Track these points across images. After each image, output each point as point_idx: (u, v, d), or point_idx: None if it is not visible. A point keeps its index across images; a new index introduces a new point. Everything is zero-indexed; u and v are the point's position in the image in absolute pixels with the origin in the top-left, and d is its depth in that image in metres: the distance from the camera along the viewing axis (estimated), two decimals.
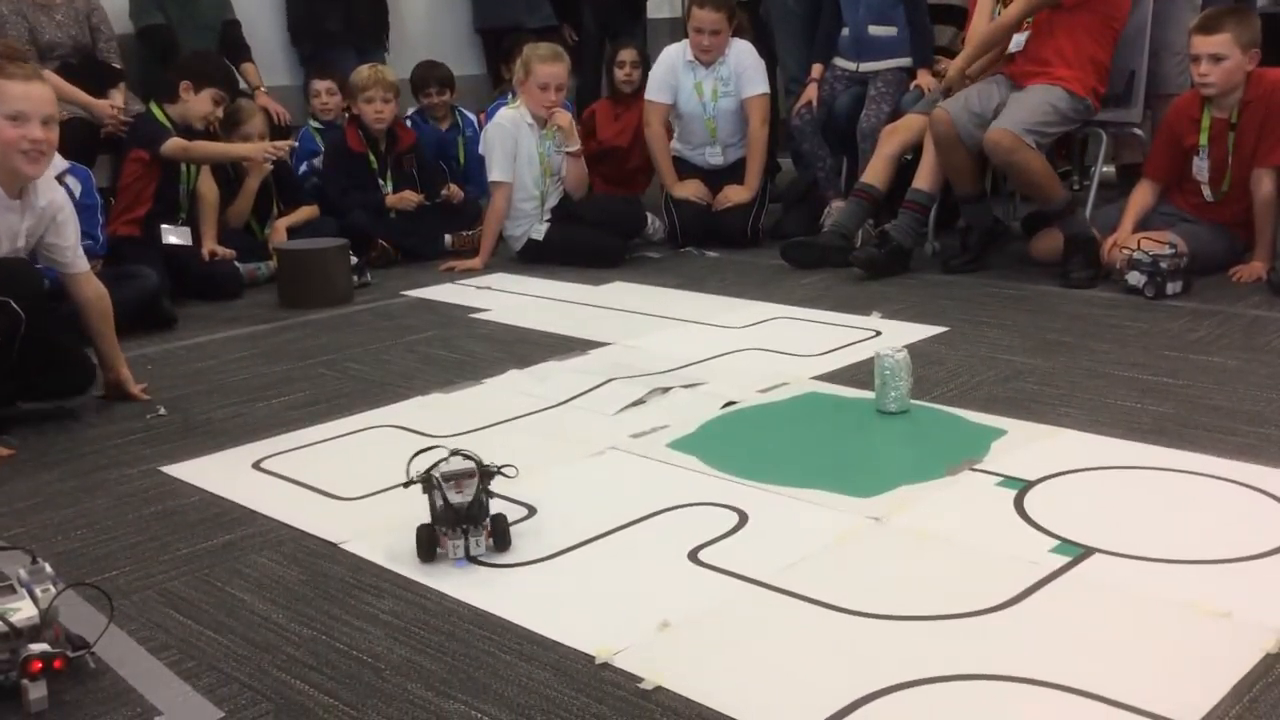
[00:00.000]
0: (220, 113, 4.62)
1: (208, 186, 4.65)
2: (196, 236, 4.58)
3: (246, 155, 4.67)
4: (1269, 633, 1.79)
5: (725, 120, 5.11)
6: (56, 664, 1.76)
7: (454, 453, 2.16)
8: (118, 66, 5.11)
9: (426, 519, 2.17)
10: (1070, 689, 1.67)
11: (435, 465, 2.14)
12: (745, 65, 5.05)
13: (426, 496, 2.16)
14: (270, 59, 6.02)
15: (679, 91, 5.12)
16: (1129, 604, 1.92)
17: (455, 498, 2.12)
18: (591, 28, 6.69)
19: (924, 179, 4.40)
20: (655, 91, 5.15)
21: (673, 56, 5.13)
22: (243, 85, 5.59)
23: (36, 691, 1.74)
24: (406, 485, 2.18)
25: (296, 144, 5.22)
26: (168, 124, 4.48)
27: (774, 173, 5.60)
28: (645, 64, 5.53)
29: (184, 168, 4.53)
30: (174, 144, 4.39)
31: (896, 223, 4.44)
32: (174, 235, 4.48)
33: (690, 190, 5.11)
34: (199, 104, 4.51)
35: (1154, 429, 2.70)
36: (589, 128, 5.45)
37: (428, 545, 2.16)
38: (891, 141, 4.55)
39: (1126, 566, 2.04)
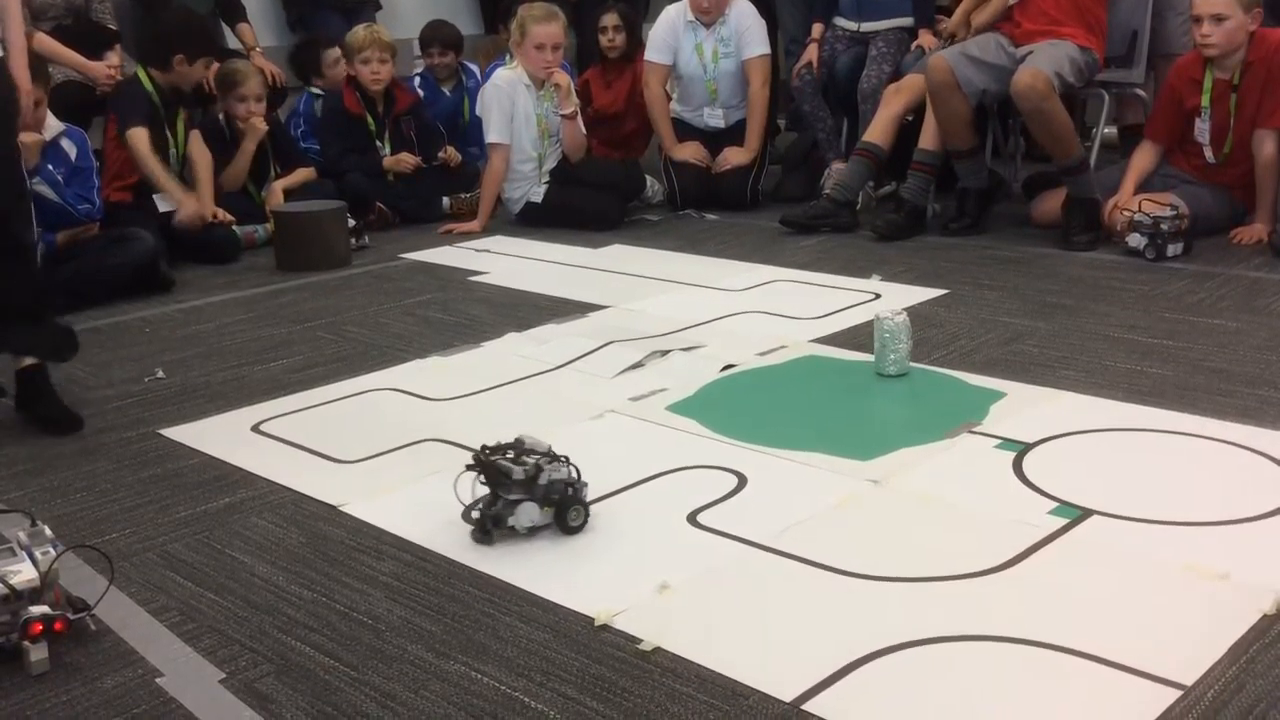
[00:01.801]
0: (211, 75, 4.60)
1: (199, 151, 4.61)
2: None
3: (174, 193, 4.43)
4: (1266, 594, 1.79)
5: (726, 81, 5.08)
6: (57, 626, 1.77)
7: (481, 464, 2.12)
8: (113, 28, 5.06)
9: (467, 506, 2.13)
10: (1068, 650, 1.68)
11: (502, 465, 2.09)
12: (746, 26, 5.00)
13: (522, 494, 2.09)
14: (259, 20, 5.96)
15: (679, 53, 5.07)
16: (1127, 565, 1.92)
17: (563, 470, 2.11)
18: None
19: (930, 138, 4.36)
20: (655, 53, 5.10)
21: (672, 17, 5.08)
22: (238, 46, 5.54)
23: (37, 653, 1.75)
24: (510, 483, 2.09)
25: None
26: (153, 91, 4.43)
27: (774, 134, 5.55)
28: (629, 27, 5.47)
29: (167, 133, 4.50)
30: (135, 136, 4.36)
31: (908, 185, 4.42)
32: (168, 203, 4.44)
33: (689, 153, 5.08)
34: (195, 72, 4.52)
35: (1153, 391, 2.69)
36: (584, 95, 5.40)
37: (566, 522, 2.10)
38: (895, 101, 4.51)
39: (1125, 528, 2.05)
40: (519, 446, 2.13)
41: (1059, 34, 4.15)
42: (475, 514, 2.11)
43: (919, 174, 4.41)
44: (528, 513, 2.08)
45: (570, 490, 2.10)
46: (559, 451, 2.13)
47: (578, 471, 2.12)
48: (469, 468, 2.13)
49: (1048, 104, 3.99)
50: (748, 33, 4.99)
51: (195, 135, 4.63)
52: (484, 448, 2.12)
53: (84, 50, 4.80)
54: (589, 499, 2.14)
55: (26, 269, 2.78)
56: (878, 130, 4.51)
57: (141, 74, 4.51)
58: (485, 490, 2.11)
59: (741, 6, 5.02)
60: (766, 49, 5.04)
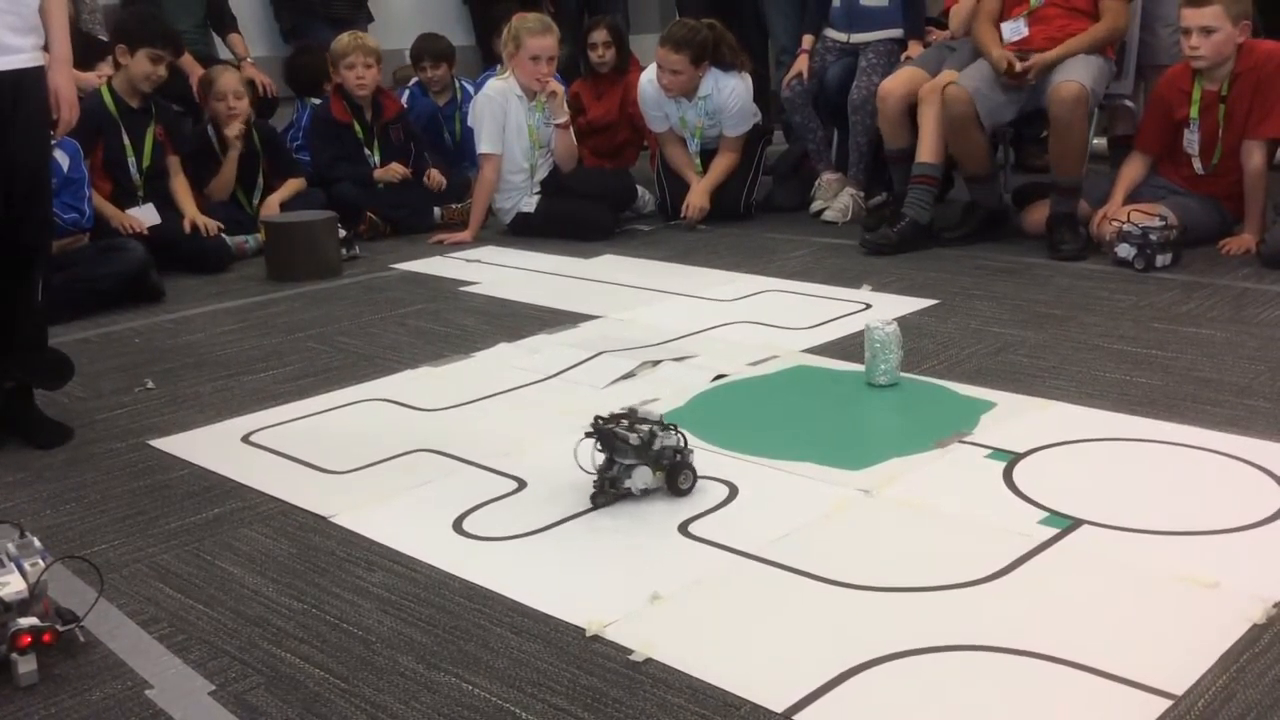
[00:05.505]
0: (163, 71, 4.48)
1: (177, 173, 4.58)
2: (171, 211, 4.50)
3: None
4: (1256, 603, 1.80)
5: (712, 144, 5.06)
6: (46, 638, 1.76)
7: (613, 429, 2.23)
8: (103, 39, 5.06)
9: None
10: (1058, 659, 1.68)
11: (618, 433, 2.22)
12: (731, 109, 4.88)
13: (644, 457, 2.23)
14: (251, 31, 5.97)
15: (670, 118, 5.04)
16: (1117, 575, 1.92)
17: (673, 437, 2.26)
18: (570, 1, 6.62)
19: (929, 152, 4.30)
20: (655, 124, 5.05)
21: (652, 89, 4.96)
22: (229, 57, 5.55)
23: (26, 665, 1.74)
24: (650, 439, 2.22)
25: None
26: (111, 104, 4.37)
27: (767, 136, 5.43)
28: (618, 41, 5.45)
29: (126, 143, 4.43)
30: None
31: (910, 199, 4.33)
32: (140, 217, 4.39)
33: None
34: (138, 65, 4.41)
35: (1143, 401, 2.70)
36: (575, 107, 5.38)
37: (676, 485, 2.27)
38: (928, 112, 4.31)
39: (1115, 538, 2.05)
40: (632, 415, 2.26)
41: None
42: (594, 479, 2.24)
43: (921, 187, 4.34)
44: (642, 476, 2.22)
45: (678, 456, 2.25)
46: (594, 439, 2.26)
47: (684, 439, 2.26)
48: (587, 435, 2.26)
49: (1081, 120, 4.03)
50: (733, 117, 4.90)
51: (174, 161, 4.60)
52: (598, 417, 2.26)
53: (74, 62, 4.77)
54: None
55: (37, 299, 2.75)
56: (928, 149, 4.33)
57: (104, 91, 4.44)
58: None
59: (726, 84, 4.86)
60: (745, 129, 4.95)
